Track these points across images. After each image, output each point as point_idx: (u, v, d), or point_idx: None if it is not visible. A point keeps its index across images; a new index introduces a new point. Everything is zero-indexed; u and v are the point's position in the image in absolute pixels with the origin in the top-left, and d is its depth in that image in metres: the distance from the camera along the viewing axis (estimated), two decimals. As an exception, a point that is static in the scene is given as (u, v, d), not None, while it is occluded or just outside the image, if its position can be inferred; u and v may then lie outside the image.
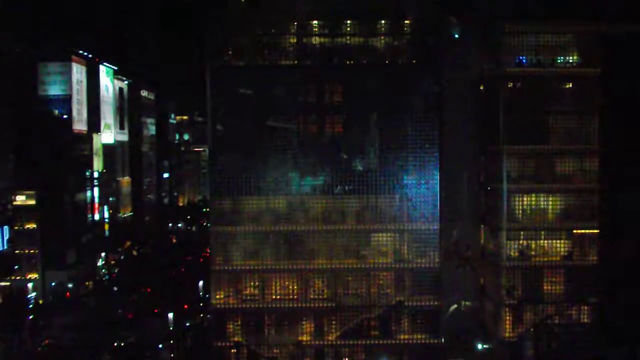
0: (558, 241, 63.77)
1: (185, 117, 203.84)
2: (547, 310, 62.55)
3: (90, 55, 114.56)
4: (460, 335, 64.03)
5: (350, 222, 60.81)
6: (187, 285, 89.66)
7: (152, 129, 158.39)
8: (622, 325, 51.86)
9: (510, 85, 63.93)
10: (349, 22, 60.55)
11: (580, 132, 62.97)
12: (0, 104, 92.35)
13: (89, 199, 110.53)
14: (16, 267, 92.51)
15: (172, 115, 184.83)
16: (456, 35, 66.38)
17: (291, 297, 60.75)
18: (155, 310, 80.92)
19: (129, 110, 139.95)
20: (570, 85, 64.32)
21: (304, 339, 60.53)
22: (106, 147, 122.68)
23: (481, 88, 68.16)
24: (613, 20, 59.03)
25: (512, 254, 63.35)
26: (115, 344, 69.40)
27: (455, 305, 64.53)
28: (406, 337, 60.53)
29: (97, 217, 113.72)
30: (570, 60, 63.66)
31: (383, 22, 60.74)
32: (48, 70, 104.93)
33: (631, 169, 52.50)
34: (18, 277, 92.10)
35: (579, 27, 62.60)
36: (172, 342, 70.64)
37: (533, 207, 63.82)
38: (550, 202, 63.87)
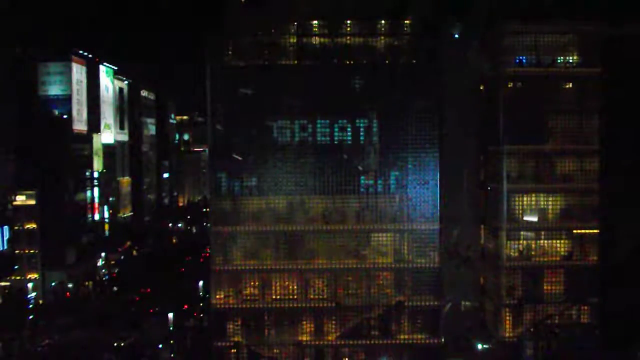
0: (558, 241, 63.75)
1: (185, 117, 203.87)
2: (547, 310, 62.53)
3: (90, 55, 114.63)
4: (461, 335, 64.04)
5: (350, 222, 60.81)
6: (187, 285, 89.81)
7: (152, 129, 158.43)
8: (622, 326, 51.87)
9: (510, 85, 63.88)
10: (349, 22, 60.56)
11: (580, 132, 62.94)
12: (0, 104, 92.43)
13: (89, 199, 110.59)
14: (16, 267, 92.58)
15: (172, 115, 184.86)
16: (456, 35, 66.37)
17: (291, 297, 60.73)
18: (151, 310, 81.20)
19: (129, 110, 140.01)
20: (570, 85, 64.30)
21: (304, 339, 60.52)
22: (106, 147, 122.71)
23: (481, 88, 68.13)
24: (613, 20, 59.01)
25: (512, 254, 63.31)
26: (115, 344, 69.46)
27: (450, 304, 64.35)
28: (406, 337, 60.51)
29: (97, 217, 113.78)
30: (570, 60, 63.64)
31: (383, 22, 60.74)
32: (48, 70, 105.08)
33: (631, 168, 52.48)
34: (18, 277, 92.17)
35: (579, 27, 62.57)
36: (172, 342, 70.72)
37: (533, 207, 63.78)
38: (550, 202, 63.84)
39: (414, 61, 60.58)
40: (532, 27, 62.49)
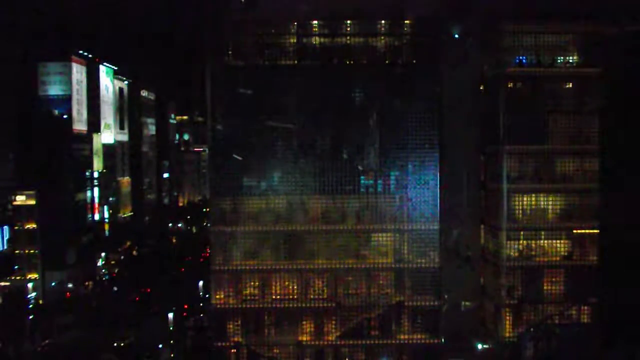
0: (558, 241, 63.75)
1: (185, 117, 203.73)
2: (547, 310, 62.52)
3: (90, 55, 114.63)
4: (461, 335, 64.00)
5: (350, 222, 60.81)
6: (187, 285, 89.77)
7: (152, 129, 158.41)
8: (622, 326, 51.85)
9: (510, 85, 63.88)
10: (349, 22, 60.56)
11: (580, 132, 62.94)
12: (0, 104, 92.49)
13: (89, 199, 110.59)
14: (16, 267, 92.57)
15: (172, 115, 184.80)
16: (456, 35, 66.33)
17: (291, 297, 60.73)
18: (151, 310, 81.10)
19: (129, 110, 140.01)
20: (570, 85, 64.30)
21: (304, 339, 60.53)
22: (106, 147, 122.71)
23: (481, 88, 68.13)
24: (613, 20, 58.97)
25: (512, 254, 63.30)
26: (115, 344, 69.45)
27: (449, 304, 64.32)
28: (406, 337, 60.52)
29: (97, 217, 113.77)
30: (570, 60, 63.65)
31: (383, 22, 60.73)
32: (48, 70, 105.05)
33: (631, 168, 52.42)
34: (18, 277, 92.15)
35: (579, 27, 62.58)
36: (172, 342, 70.71)
37: (533, 207, 63.78)
38: (550, 202, 63.85)
39: (414, 61, 60.61)
40: (532, 27, 62.48)
